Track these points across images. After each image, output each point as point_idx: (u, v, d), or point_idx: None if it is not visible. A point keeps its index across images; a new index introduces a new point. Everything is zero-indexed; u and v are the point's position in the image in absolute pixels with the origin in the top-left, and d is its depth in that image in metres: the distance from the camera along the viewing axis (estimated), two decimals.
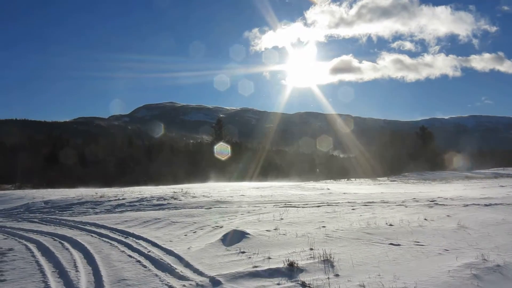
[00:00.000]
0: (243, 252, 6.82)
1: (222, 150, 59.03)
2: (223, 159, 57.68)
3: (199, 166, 57.59)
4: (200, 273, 5.80)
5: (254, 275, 5.61)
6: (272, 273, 5.65)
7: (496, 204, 13.86)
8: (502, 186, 24.40)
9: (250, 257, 6.51)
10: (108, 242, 8.36)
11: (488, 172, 55.46)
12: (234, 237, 7.79)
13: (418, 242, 7.27)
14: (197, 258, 6.63)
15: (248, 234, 7.92)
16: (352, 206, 13.27)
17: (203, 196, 16.55)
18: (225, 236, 7.98)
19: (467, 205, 13.75)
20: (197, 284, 5.37)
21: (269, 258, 6.38)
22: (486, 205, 13.64)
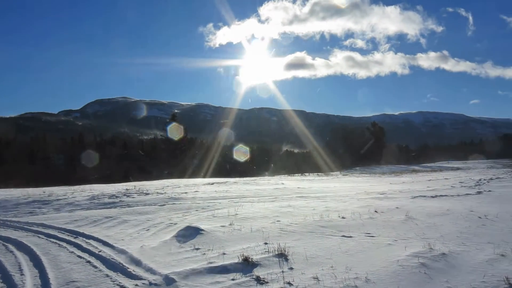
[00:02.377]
0: (198, 249, 6.74)
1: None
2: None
3: (152, 163, 56.58)
4: (153, 272, 5.67)
5: (209, 271, 5.55)
6: (227, 269, 5.62)
7: (441, 195, 14.53)
8: (447, 179, 25.62)
9: (204, 254, 6.44)
10: (56, 243, 7.99)
11: (434, 166, 58.10)
12: (188, 234, 7.67)
13: (369, 233, 7.47)
14: (150, 256, 6.48)
15: (203, 230, 7.83)
16: (306, 200, 13.47)
17: (157, 193, 16.23)
18: (179, 233, 7.84)
19: (415, 197, 14.32)
20: (150, 283, 5.24)
21: (224, 253, 6.34)
22: (432, 196, 14.28)
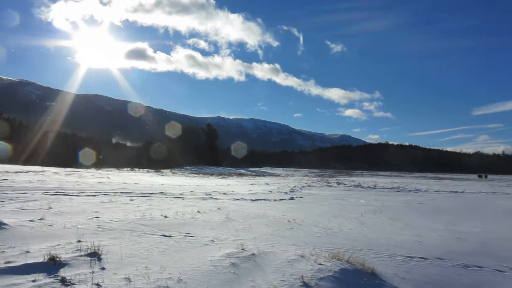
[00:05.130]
0: None
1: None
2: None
3: None
4: None
5: (6, 272, 4.89)
6: (28, 269, 5.03)
7: (260, 199, 15.69)
8: (268, 184, 27.84)
9: (3, 252, 5.66)
10: None
11: (258, 171, 62.60)
12: None
13: (189, 233, 7.60)
14: None
15: (6, 224, 6.90)
16: (130, 196, 13.06)
17: None
18: None
19: (237, 199, 15.16)
20: None
21: (28, 252, 5.68)
22: (252, 200, 15.31)
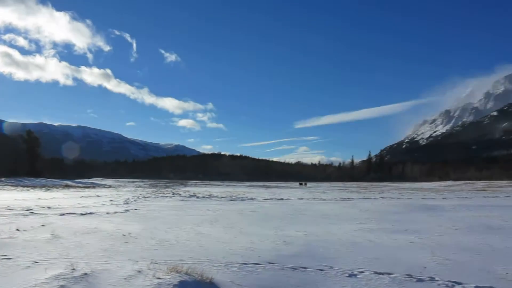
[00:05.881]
0: None
1: None
2: None
3: None
4: None
5: None
6: None
7: (91, 213, 14.66)
8: (99, 196, 26.20)
9: None
10: None
11: (87, 182, 58.41)
12: None
13: (5, 256, 6.64)
14: None
15: None
16: None
17: None
18: None
19: (64, 214, 13.89)
20: None
21: None
22: (82, 214, 14.21)
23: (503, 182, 67.63)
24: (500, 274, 6.17)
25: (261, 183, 77.13)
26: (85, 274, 5.58)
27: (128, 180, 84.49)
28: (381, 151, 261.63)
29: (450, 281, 5.69)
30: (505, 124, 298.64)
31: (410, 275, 5.98)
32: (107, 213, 14.81)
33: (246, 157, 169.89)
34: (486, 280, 5.82)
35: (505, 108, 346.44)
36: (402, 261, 6.98)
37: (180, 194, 29.60)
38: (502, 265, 6.68)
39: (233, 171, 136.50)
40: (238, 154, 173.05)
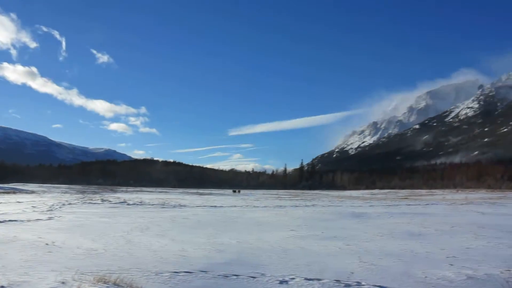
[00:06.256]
0: None
1: None
2: None
3: None
4: None
5: None
6: None
7: (11, 220, 13.73)
8: (20, 202, 24.53)
9: None
10: None
11: (7, 187, 54.53)
12: None
13: None
14: None
15: None
16: None
17: None
18: None
19: None
20: None
21: None
22: (0, 221, 13.23)
23: (423, 191, 72.22)
24: (419, 277, 6.57)
25: (194, 190, 76.30)
26: (2, 287, 5.20)
27: (53, 185, 79.94)
28: (313, 160, 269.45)
29: (375, 285, 5.98)
30: (425, 136, 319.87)
31: (338, 281, 6.20)
32: (28, 221, 13.91)
33: (180, 163, 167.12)
34: (407, 283, 6.18)
35: (426, 122, 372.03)
36: (331, 267, 7.22)
37: (110, 201, 28.47)
38: (422, 269, 7.13)
39: (166, 178, 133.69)
40: (172, 160, 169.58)
